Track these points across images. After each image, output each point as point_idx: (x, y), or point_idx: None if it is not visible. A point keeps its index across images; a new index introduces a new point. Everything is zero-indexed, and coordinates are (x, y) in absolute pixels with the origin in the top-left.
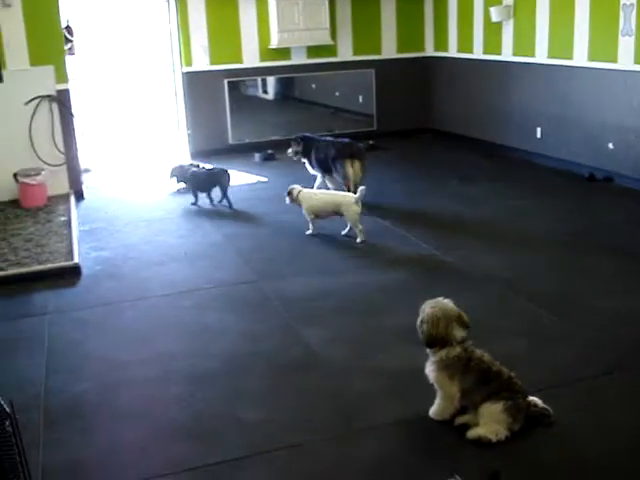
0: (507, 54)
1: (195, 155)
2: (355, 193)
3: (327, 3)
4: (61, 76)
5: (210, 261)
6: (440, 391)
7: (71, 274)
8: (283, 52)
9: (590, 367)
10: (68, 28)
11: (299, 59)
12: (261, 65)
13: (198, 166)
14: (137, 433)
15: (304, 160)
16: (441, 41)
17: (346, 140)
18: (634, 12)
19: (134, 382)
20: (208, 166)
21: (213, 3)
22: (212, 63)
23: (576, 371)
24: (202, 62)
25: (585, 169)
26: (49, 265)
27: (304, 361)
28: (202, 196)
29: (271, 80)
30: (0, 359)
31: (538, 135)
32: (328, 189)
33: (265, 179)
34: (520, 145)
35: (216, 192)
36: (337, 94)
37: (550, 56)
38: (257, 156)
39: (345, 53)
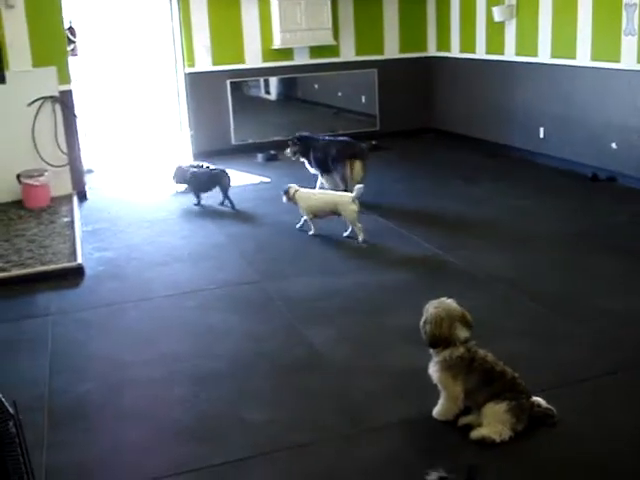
0: (510, 54)
1: (198, 156)
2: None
3: (329, 3)
4: (64, 77)
5: (213, 261)
6: (444, 391)
7: (74, 275)
8: (286, 52)
9: (593, 367)
10: (71, 29)
11: (302, 59)
12: (264, 65)
13: (202, 166)
14: (141, 434)
15: (303, 160)
16: (444, 41)
17: (347, 139)
18: (636, 12)
19: (138, 383)
20: (210, 165)
21: (215, 3)
22: (214, 64)
23: (579, 371)
24: (205, 63)
25: (588, 169)
26: (52, 266)
27: (308, 361)
28: (203, 196)
29: (274, 80)
30: (4, 360)
31: (541, 135)
32: (324, 189)
33: (268, 179)
34: (523, 145)
35: (217, 194)
36: (340, 94)
37: (553, 56)
38: (260, 156)
39: (348, 53)
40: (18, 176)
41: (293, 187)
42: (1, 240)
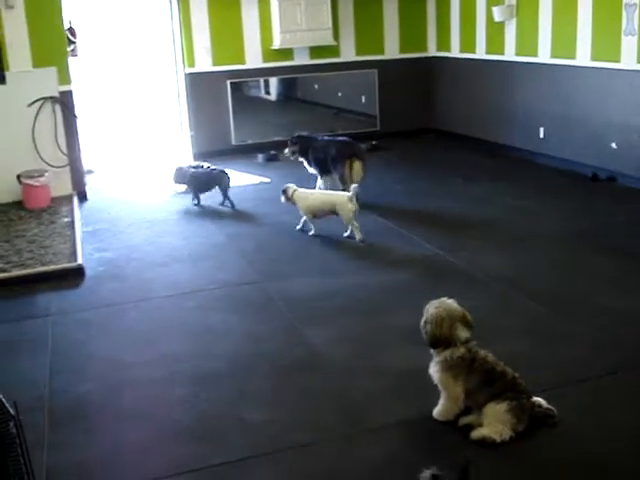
0: (510, 54)
1: (198, 156)
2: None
3: (329, 3)
4: (64, 77)
5: (213, 262)
6: (444, 392)
7: (74, 275)
8: (286, 53)
9: (594, 367)
10: (71, 29)
11: (302, 60)
12: (264, 66)
13: (202, 166)
14: (141, 434)
15: (302, 159)
16: (444, 41)
17: (346, 139)
18: (637, 12)
19: (138, 383)
20: (210, 165)
21: (215, 4)
22: (215, 64)
23: (580, 371)
24: (205, 63)
25: (588, 169)
26: (52, 266)
27: (308, 361)
28: (203, 196)
29: (274, 81)
30: (4, 360)
31: (541, 135)
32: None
33: (268, 180)
34: (523, 145)
35: (218, 194)
36: (340, 95)
37: (553, 56)
38: (260, 157)
39: (348, 53)
40: (18, 176)
41: (291, 187)
42: (1, 241)
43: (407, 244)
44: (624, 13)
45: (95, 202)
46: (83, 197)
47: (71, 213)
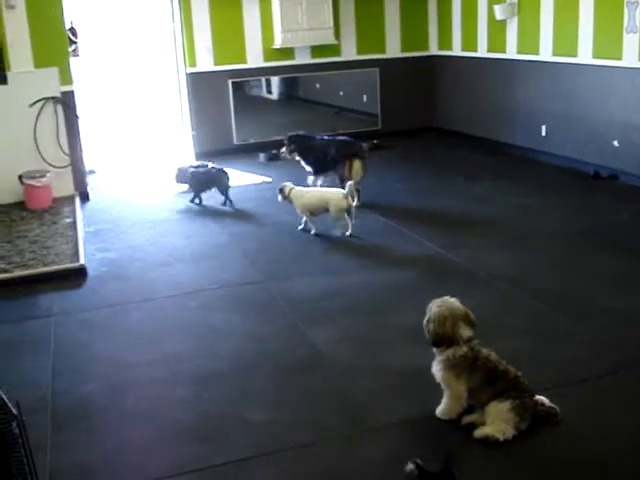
0: (511, 52)
1: (200, 156)
2: (355, 192)
3: (330, 2)
4: (65, 78)
5: (216, 262)
6: (447, 390)
7: (77, 276)
8: (287, 52)
9: (595, 366)
10: (72, 30)
11: (303, 59)
12: (265, 65)
13: (205, 166)
14: (143, 434)
15: (299, 158)
16: (445, 40)
17: (346, 138)
18: (638, 9)
19: (140, 383)
20: (210, 164)
21: (217, 4)
22: (216, 64)
23: (582, 370)
24: (206, 63)
25: (590, 167)
26: (55, 267)
27: (310, 361)
28: (205, 196)
29: (275, 80)
30: (6, 361)
31: (543, 133)
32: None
33: (270, 179)
34: (525, 143)
35: (219, 194)
36: (341, 93)
37: (555, 54)
38: (262, 156)
39: (349, 52)
40: (20, 177)
41: (288, 185)
42: (3, 241)
43: (409, 243)
44: (626, 10)
45: (97, 202)
46: (85, 197)
47: (73, 213)
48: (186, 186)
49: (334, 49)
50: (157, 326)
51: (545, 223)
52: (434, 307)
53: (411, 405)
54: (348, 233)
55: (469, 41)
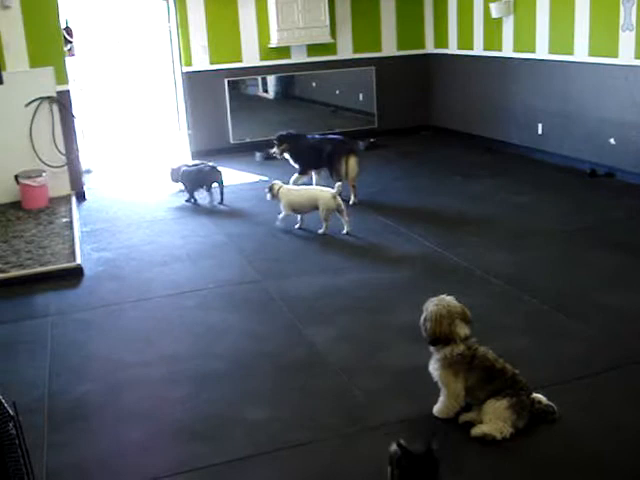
0: (507, 50)
1: (196, 155)
2: (351, 190)
3: (326, 1)
4: (61, 77)
5: (213, 261)
6: (444, 389)
7: (73, 275)
8: (283, 51)
9: (594, 364)
10: (68, 29)
11: (299, 57)
12: (261, 64)
13: (202, 164)
14: (141, 434)
15: (288, 157)
16: (441, 38)
17: (339, 137)
18: (634, 7)
19: (138, 383)
20: (202, 162)
21: (212, 3)
22: (212, 63)
23: (580, 368)
24: (202, 62)
25: (587, 165)
26: (51, 267)
27: (308, 360)
28: (202, 195)
29: (271, 79)
30: (3, 361)
31: (539, 131)
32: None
33: (266, 178)
34: (521, 141)
35: (215, 193)
36: (337, 92)
37: (551, 52)
38: (258, 155)
39: (345, 51)
40: (16, 177)
41: (277, 184)
42: (0, 241)
43: (406, 241)
44: (622, 8)
45: (93, 202)
46: (81, 197)
47: (69, 213)
48: (182, 185)
49: (330, 48)
50: (154, 326)
51: (542, 221)
52: (431, 306)
53: (409, 404)
54: (345, 231)
55: (465, 39)
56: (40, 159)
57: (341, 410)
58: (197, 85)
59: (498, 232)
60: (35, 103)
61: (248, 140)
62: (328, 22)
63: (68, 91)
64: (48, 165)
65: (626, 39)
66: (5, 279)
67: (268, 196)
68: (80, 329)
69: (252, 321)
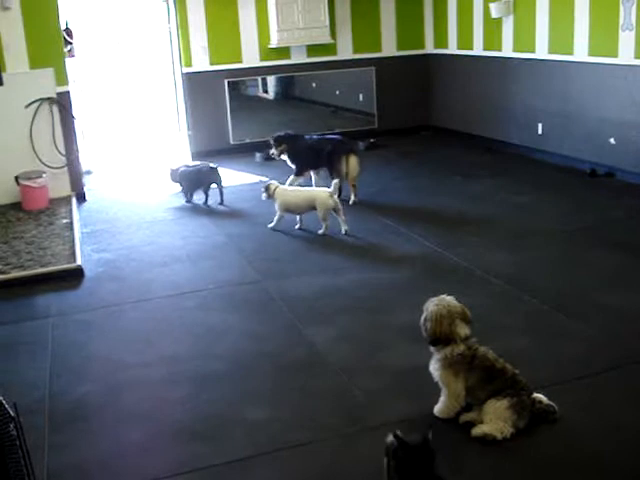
0: (507, 50)
1: (196, 156)
2: (352, 190)
3: (326, 1)
4: (61, 78)
5: (213, 262)
6: (445, 389)
7: (74, 276)
8: (283, 51)
9: (594, 364)
10: (67, 30)
11: (299, 58)
12: (261, 65)
13: (204, 165)
14: (142, 435)
15: (285, 158)
16: (441, 38)
17: (338, 137)
18: (634, 6)
19: (138, 384)
20: (200, 163)
21: (212, 3)
22: (212, 63)
23: (580, 368)
24: (202, 62)
25: (587, 165)
26: (51, 268)
27: (309, 360)
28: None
29: (271, 79)
30: (4, 362)
31: (539, 131)
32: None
33: (266, 178)
34: (521, 141)
35: (213, 194)
36: (337, 93)
37: (551, 52)
38: (258, 156)
39: (345, 51)
40: (16, 178)
41: (273, 184)
42: (0, 242)
43: (406, 241)
44: (621, 8)
45: (94, 203)
46: (82, 198)
47: (70, 214)
48: (179, 186)
49: (330, 48)
50: (155, 326)
51: (542, 221)
52: (431, 306)
53: (409, 404)
54: (343, 231)
55: (465, 39)
56: (40, 160)
57: (341, 410)
58: (197, 86)
59: (498, 232)
60: (35, 104)
61: (248, 141)
62: (328, 22)
63: (68, 92)
64: (48, 166)
65: (626, 39)
66: (6, 280)
67: (264, 196)
68: (80, 330)
69: (252, 321)
